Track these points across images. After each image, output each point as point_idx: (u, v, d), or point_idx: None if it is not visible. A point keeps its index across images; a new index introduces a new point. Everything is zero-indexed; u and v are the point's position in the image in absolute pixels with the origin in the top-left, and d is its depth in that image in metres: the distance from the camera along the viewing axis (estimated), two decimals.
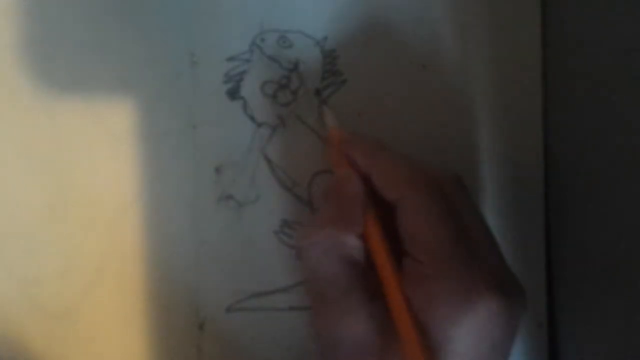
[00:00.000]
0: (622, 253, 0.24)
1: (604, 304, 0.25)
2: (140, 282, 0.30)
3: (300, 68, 0.31)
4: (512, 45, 0.31)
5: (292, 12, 0.31)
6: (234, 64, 0.31)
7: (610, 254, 0.25)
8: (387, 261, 0.25)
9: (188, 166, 0.30)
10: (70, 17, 0.30)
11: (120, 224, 0.30)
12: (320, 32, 0.31)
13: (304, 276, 0.27)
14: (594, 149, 0.26)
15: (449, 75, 0.31)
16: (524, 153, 0.31)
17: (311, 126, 0.31)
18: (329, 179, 0.29)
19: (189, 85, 0.30)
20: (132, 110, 0.30)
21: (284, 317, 0.30)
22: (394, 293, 0.25)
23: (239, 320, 0.30)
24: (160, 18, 0.30)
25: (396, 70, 0.31)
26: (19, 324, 0.29)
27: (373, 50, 0.31)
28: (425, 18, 0.31)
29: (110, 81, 0.30)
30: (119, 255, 0.30)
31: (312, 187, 0.31)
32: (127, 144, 0.30)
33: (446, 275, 0.24)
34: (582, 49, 0.27)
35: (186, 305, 0.30)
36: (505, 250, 0.30)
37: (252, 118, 0.31)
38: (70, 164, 0.30)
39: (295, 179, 0.31)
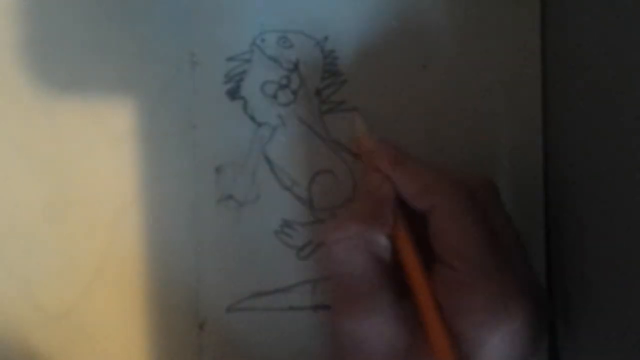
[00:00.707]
0: (623, 253, 0.24)
1: (604, 303, 0.25)
2: (140, 282, 0.30)
3: (301, 68, 0.31)
4: (512, 45, 0.31)
5: (293, 12, 0.31)
6: (234, 64, 0.31)
7: (610, 254, 0.25)
8: (417, 263, 0.25)
9: (188, 166, 0.30)
10: (70, 17, 0.30)
11: (120, 224, 0.30)
12: (320, 32, 0.31)
13: (329, 271, 0.26)
14: (594, 148, 0.26)
15: (449, 76, 0.31)
16: (524, 153, 0.31)
17: (311, 126, 0.31)
18: (362, 181, 0.29)
19: (189, 85, 0.30)
20: (132, 110, 0.30)
21: (284, 317, 0.30)
22: (424, 296, 0.25)
23: (239, 320, 0.30)
24: (160, 18, 0.30)
25: (396, 70, 0.31)
26: (19, 324, 0.29)
27: (373, 51, 0.31)
28: (425, 18, 0.31)
29: (110, 81, 0.30)
30: (119, 255, 0.30)
31: (312, 187, 0.31)
32: (127, 144, 0.30)
33: (481, 282, 0.24)
34: (582, 49, 0.27)
35: (186, 305, 0.30)
36: None
37: (252, 118, 0.31)
38: (70, 164, 0.30)
39: (296, 179, 0.31)
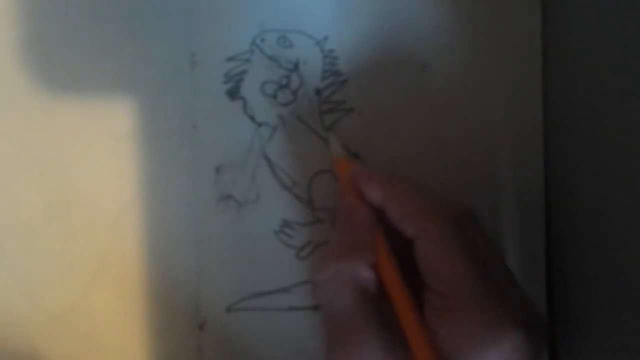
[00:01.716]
0: (623, 254, 0.24)
1: (604, 305, 0.25)
2: (140, 282, 0.30)
3: (301, 68, 0.31)
4: (512, 45, 0.30)
5: (292, 12, 0.31)
6: (234, 64, 0.31)
7: (610, 255, 0.25)
8: (401, 290, 0.25)
9: (188, 166, 0.30)
10: (70, 17, 0.30)
11: (120, 224, 0.30)
12: (320, 32, 0.31)
13: (322, 312, 0.27)
14: (595, 149, 0.26)
15: (449, 76, 0.30)
16: (524, 153, 0.31)
17: (311, 126, 0.31)
18: (337, 205, 0.28)
19: (189, 85, 0.30)
20: (132, 110, 0.30)
21: (284, 317, 0.30)
22: (410, 323, 0.25)
23: (239, 320, 0.30)
24: (160, 18, 0.30)
25: (396, 70, 0.31)
26: (19, 324, 0.29)
27: (373, 50, 0.31)
28: (425, 18, 0.31)
29: (110, 81, 0.30)
30: (119, 255, 0.30)
31: (312, 187, 0.31)
32: (127, 144, 0.30)
33: (471, 308, 0.24)
34: (582, 49, 0.27)
35: (186, 305, 0.30)
36: (506, 253, 0.30)
37: (252, 118, 0.31)
38: (70, 164, 0.30)
39: (295, 179, 0.31)
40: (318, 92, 0.31)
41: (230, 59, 0.31)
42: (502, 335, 0.23)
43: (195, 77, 0.30)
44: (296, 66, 0.31)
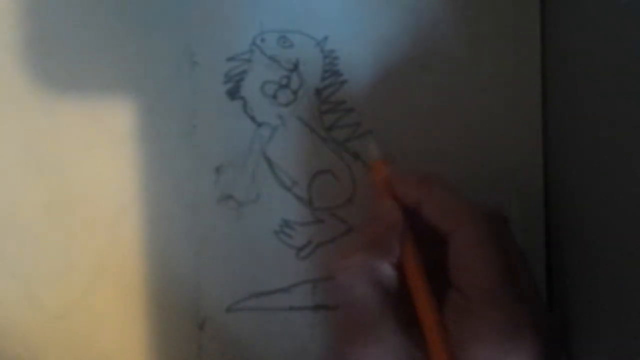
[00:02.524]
0: (623, 254, 0.24)
1: (604, 305, 0.25)
2: (140, 282, 0.30)
3: (301, 68, 0.31)
4: (511, 45, 0.30)
5: (292, 12, 0.31)
6: (234, 64, 0.31)
7: (610, 255, 0.25)
8: (425, 290, 0.25)
9: (188, 166, 0.30)
10: (70, 17, 0.30)
11: (120, 223, 0.30)
12: (320, 32, 0.31)
13: (335, 299, 0.27)
14: (594, 148, 0.26)
15: (449, 75, 0.30)
16: (524, 152, 0.31)
17: (311, 126, 0.31)
18: (369, 206, 0.28)
19: (189, 85, 0.30)
20: (132, 110, 0.30)
21: (284, 317, 0.30)
22: (431, 324, 0.25)
23: (239, 320, 0.30)
24: (160, 18, 0.30)
25: (396, 70, 0.31)
26: (19, 324, 0.29)
27: (373, 51, 0.31)
28: (425, 18, 0.31)
29: (110, 81, 0.30)
30: (119, 255, 0.30)
31: (312, 187, 0.31)
32: (127, 144, 0.30)
33: (493, 312, 0.24)
34: (582, 48, 0.27)
35: (186, 305, 0.30)
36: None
37: (252, 118, 0.31)
38: (70, 164, 0.30)
39: (295, 179, 0.31)
40: (318, 92, 0.31)
41: (230, 59, 0.31)
42: (521, 345, 0.23)
43: (196, 77, 0.30)
44: (296, 66, 0.31)
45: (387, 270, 0.25)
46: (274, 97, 0.31)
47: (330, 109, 0.31)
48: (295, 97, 0.31)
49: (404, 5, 0.31)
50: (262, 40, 0.31)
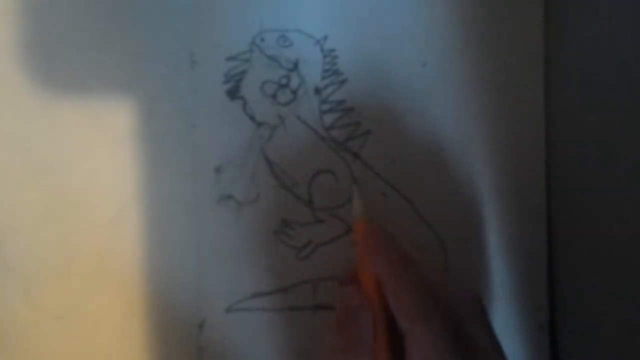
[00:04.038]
0: (624, 255, 0.24)
1: (605, 305, 0.25)
2: (140, 282, 0.30)
3: (300, 67, 0.31)
4: (514, 44, 0.30)
5: (292, 12, 0.30)
6: (234, 63, 0.30)
7: (612, 256, 0.25)
8: None
9: (188, 166, 0.30)
10: (70, 17, 0.30)
11: (120, 224, 0.30)
12: (320, 31, 0.31)
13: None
14: (597, 149, 0.26)
15: (450, 74, 0.30)
16: (526, 151, 0.30)
17: (311, 126, 0.31)
18: (345, 292, 0.27)
19: (188, 85, 0.30)
20: (132, 110, 0.30)
21: (284, 317, 0.30)
22: None
23: (238, 320, 0.30)
24: (159, 18, 0.30)
25: (396, 68, 0.30)
26: (19, 324, 0.29)
27: (373, 49, 0.30)
28: (425, 16, 0.30)
29: (109, 81, 0.30)
30: (118, 255, 0.30)
31: (312, 187, 0.30)
32: (127, 143, 0.30)
33: None
34: (585, 46, 0.27)
35: (186, 305, 0.30)
36: (507, 252, 0.30)
37: (252, 118, 0.30)
38: (69, 163, 0.30)
39: (295, 179, 0.30)
40: (318, 91, 0.31)
41: (229, 59, 0.30)
42: None
43: (195, 77, 0.30)
44: (296, 66, 0.31)
45: None
46: (274, 96, 0.31)
47: (330, 109, 0.31)
48: (295, 97, 0.31)
49: (404, 4, 0.30)
50: (262, 39, 0.30)
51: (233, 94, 0.30)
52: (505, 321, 0.30)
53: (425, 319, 0.24)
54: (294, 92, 0.31)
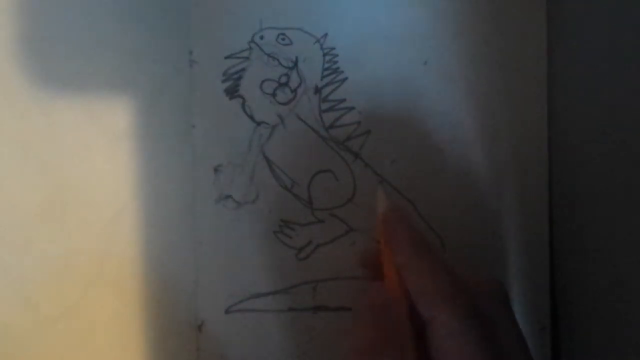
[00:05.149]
0: (626, 256, 0.23)
1: (606, 306, 0.25)
2: (139, 282, 0.30)
3: (300, 66, 0.30)
4: (516, 42, 0.30)
5: (292, 10, 0.30)
6: (233, 62, 0.30)
7: (613, 257, 0.24)
8: None
9: (186, 166, 0.30)
10: (69, 17, 0.30)
11: (119, 223, 0.30)
12: (320, 29, 0.30)
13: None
14: (599, 150, 0.25)
15: (450, 73, 0.30)
16: (527, 151, 0.30)
17: (311, 125, 0.30)
18: (369, 288, 0.25)
19: (187, 84, 0.30)
20: (130, 109, 0.30)
21: (283, 318, 0.30)
22: None
23: (237, 322, 0.30)
24: (158, 17, 0.30)
25: (396, 67, 0.30)
26: (17, 325, 0.29)
27: (373, 48, 0.30)
28: (425, 15, 0.30)
29: (108, 80, 0.30)
30: (117, 256, 0.30)
31: (312, 187, 0.30)
32: (125, 143, 0.30)
33: None
34: (587, 48, 0.26)
35: (185, 306, 0.30)
36: (508, 253, 0.30)
37: (251, 117, 0.30)
38: (68, 163, 0.30)
39: (295, 179, 0.30)
40: (318, 90, 0.30)
41: (228, 57, 0.30)
42: None
43: (194, 76, 0.30)
44: (296, 64, 0.30)
45: None
46: (273, 95, 0.30)
47: (330, 107, 0.30)
48: (295, 96, 0.30)
49: (405, 4, 0.30)
50: (261, 37, 0.30)
51: (232, 92, 0.30)
52: None
53: (453, 308, 0.23)
54: (294, 90, 0.30)
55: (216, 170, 0.30)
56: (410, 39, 0.30)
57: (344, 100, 0.30)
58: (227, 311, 0.30)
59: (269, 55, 0.30)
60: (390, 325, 0.23)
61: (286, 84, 0.30)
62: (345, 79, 0.30)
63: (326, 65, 0.30)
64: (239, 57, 0.30)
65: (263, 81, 0.30)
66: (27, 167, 0.29)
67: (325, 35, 0.30)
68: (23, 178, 0.29)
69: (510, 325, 0.24)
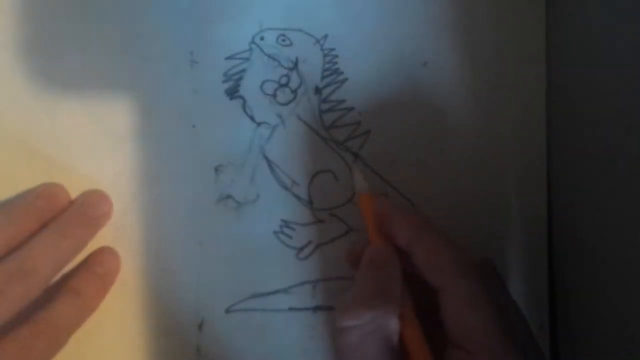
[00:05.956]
0: (624, 255, 0.23)
1: (605, 306, 0.25)
2: (140, 282, 0.30)
3: (300, 67, 0.30)
4: (515, 43, 0.30)
5: (292, 11, 0.30)
6: (233, 62, 0.30)
7: (612, 256, 0.24)
8: (423, 347, 0.25)
9: (187, 166, 0.30)
10: (70, 17, 0.30)
11: (120, 223, 0.30)
12: (320, 30, 0.30)
13: (339, 358, 0.25)
14: (598, 150, 0.25)
15: (450, 73, 0.30)
16: (527, 151, 0.30)
17: (311, 125, 0.30)
18: (366, 249, 0.27)
19: (188, 84, 0.30)
20: (131, 109, 0.30)
21: (284, 318, 0.30)
22: None
23: (238, 321, 0.30)
24: (159, 17, 0.30)
25: (397, 67, 0.30)
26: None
27: (373, 48, 0.30)
28: (425, 15, 0.30)
29: (109, 81, 0.30)
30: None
31: (312, 187, 0.30)
32: (126, 143, 0.30)
33: None
34: (586, 48, 0.27)
35: (186, 305, 0.30)
36: (508, 252, 0.30)
37: (251, 117, 0.30)
38: (69, 163, 0.30)
39: (295, 179, 0.30)
40: (318, 90, 0.30)
41: (229, 58, 0.30)
42: None
43: (194, 76, 0.30)
44: (296, 65, 0.30)
45: (394, 324, 0.25)
46: (274, 96, 0.30)
47: (330, 108, 0.30)
48: (295, 96, 0.30)
49: (405, 4, 0.30)
50: (262, 38, 0.30)
51: (232, 93, 0.30)
52: None
53: (466, 273, 0.25)
54: (294, 91, 0.30)
55: (216, 170, 0.30)
56: (409, 41, 0.30)
57: (344, 100, 0.30)
58: (227, 311, 0.30)
59: (269, 56, 0.30)
60: (386, 280, 0.25)
61: (286, 85, 0.30)
62: (345, 79, 0.30)
63: (326, 66, 0.30)
64: (239, 58, 0.30)
65: (263, 82, 0.30)
66: (29, 167, 0.30)
67: (325, 36, 0.30)
68: (26, 179, 0.29)
69: (504, 288, 0.26)
